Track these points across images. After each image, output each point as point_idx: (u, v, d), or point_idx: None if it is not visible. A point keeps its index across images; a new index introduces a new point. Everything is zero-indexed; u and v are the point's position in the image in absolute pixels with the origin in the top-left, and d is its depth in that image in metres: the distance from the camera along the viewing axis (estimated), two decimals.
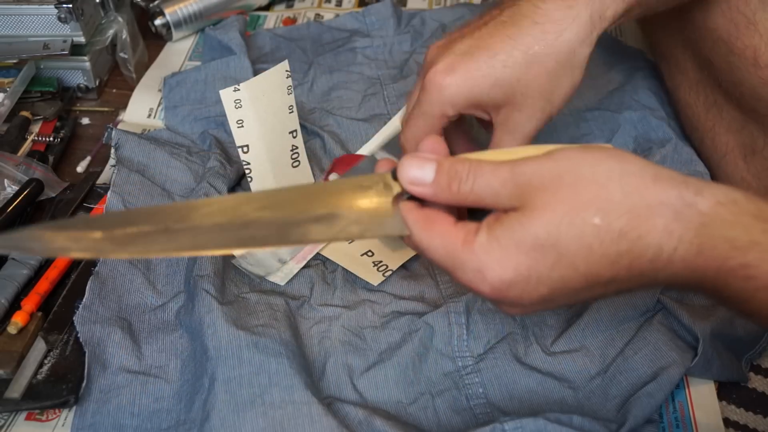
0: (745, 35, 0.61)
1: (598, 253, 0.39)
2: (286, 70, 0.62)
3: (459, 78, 0.53)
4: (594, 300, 0.57)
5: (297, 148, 0.67)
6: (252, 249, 0.49)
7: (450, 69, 0.53)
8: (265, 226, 0.43)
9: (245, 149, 0.62)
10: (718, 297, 0.39)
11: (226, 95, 0.60)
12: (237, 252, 0.62)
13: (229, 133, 0.73)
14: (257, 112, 0.61)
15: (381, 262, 0.63)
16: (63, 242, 0.40)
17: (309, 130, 0.75)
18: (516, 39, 0.53)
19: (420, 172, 0.44)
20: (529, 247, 0.39)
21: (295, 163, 0.67)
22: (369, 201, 0.45)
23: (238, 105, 0.60)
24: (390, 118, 0.77)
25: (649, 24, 0.76)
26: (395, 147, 0.72)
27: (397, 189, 0.46)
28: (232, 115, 0.61)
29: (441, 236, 0.43)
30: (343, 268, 0.63)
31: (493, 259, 0.40)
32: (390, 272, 0.62)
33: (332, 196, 0.45)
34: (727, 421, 0.54)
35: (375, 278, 0.62)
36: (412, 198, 0.45)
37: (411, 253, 0.63)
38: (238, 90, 0.60)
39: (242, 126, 0.61)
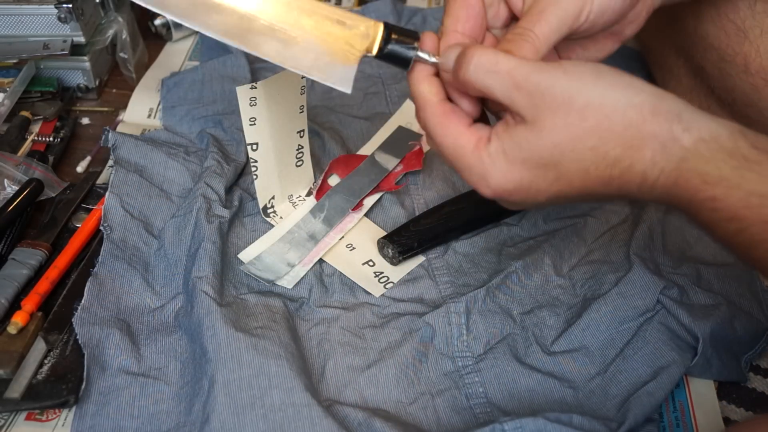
0: (735, 42, 0.62)
1: (593, 175, 0.43)
2: None
3: None
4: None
5: (302, 147, 0.67)
6: (210, 33, 0.48)
7: None
8: (233, 16, 0.47)
9: (254, 147, 0.62)
10: (691, 219, 0.43)
11: (243, 92, 0.59)
12: (245, 258, 0.63)
13: (227, 131, 0.73)
14: (270, 111, 0.61)
15: (382, 273, 0.63)
16: None
17: (309, 128, 0.75)
18: None
19: (444, 57, 0.46)
20: (534, 165, 0.43)
21: (299, 163, 0.67)
22: (340, 42, 0.48)
23: (252, 103, 0.60)
24: (391, 117, 0.77)
25: (642, 32, 0.76)
26: (395, 146, 0.72)
27: (364, 46, 0.48)
28: (246, 113, 0.61)
29: (454, 137, 0.46)
30: (341, 272, 0.63)
31: (498, 169, 0.44)
32: (391, 284, 0.62)
33: (312, 20, 0.48)
34: (727, 421, 0.54)
35: (376, 290, 0.62)
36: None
37: (411, 267, 0.64)
38: (255, 88, 0.60)
39: (254, 124, 0.61)
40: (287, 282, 0.62)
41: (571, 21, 0.47)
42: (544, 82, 0.42)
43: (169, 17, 0.49)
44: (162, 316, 0.59)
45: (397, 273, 0.63)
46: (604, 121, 0.42)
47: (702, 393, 0.56)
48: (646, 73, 0.79)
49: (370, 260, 0.64)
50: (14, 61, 0.77)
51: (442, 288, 0.62)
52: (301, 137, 0.66)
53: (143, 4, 0.48)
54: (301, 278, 0.62)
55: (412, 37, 0.48)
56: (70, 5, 0.76)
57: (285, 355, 0.53)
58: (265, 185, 0.65)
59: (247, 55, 0.82)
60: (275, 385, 0.51)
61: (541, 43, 0.46)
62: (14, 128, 0.76)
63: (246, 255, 0.63)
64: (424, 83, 0.48)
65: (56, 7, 0.76)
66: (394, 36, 0.48)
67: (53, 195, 0.69)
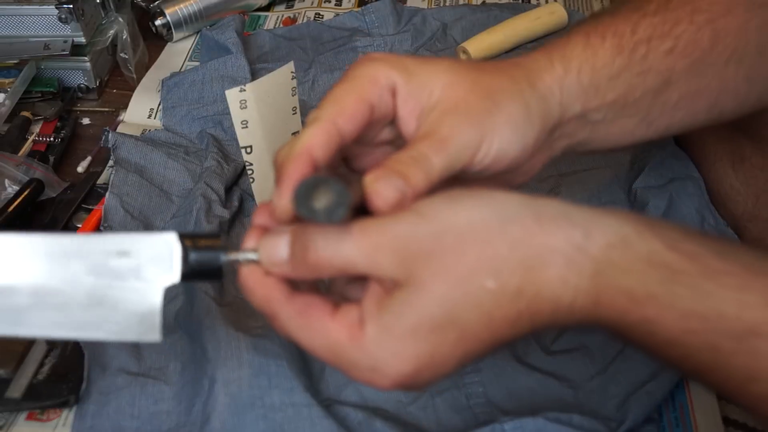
0: None
1: (498, 318, 0.36)
2: (291, 72, 0.62)
3: (391, 56, 0.44)
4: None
5: None
6: None
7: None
8: None
9: (248, 150, 0.62)
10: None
11: (232, 96, 0.59)
12: None
13: (227, 131, 0.74)
14: (261, 113, 0.61)
15: None
16: None
17: None
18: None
19: (274, 248, 0.38)
20: (427, 331, 0.35)
21: None
22: (128, 285, 0.38)
23: (243, 106, 0.60)
24: None
25: None
26: None
27: (160, 276, 0.38)
28: (237, 116, 0.60)
29: (322, 336, 0.37)
30: None
31: (388, 354, 0.36)
32: None
33: (85, 264, 0.37)
34: (726, 420, 0.54)
35: None
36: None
37: None
38: (244, 90, 0.59)
39: (246, 127, 0.61)
40: None
41: (467, 158, 0.40)
42: (403, 231, 0.36)
43: None
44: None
45: None
46: (486, 249, 0.35)
47: (702, 393, 0.56)
48: None
49: None
50: (15, 61, 0.78)
51: None
52: None
53: None
54: None
55: (214, 238, 0.39)
56: (71, 6, 0.76)
57: (285, 355, 0.53)
58: (262, 187, 0.65)
59: (248, 56, 0.82)
60: (275, 385, 0.51)
61: (436, 175, 0.38)
62: (15, 128, 0.76)
63: None
64: (259, 288, 0.38)
65: (57, 8, 0.76)
66: (194, 245, 0.38)
67: (54, 195, 0.69)
